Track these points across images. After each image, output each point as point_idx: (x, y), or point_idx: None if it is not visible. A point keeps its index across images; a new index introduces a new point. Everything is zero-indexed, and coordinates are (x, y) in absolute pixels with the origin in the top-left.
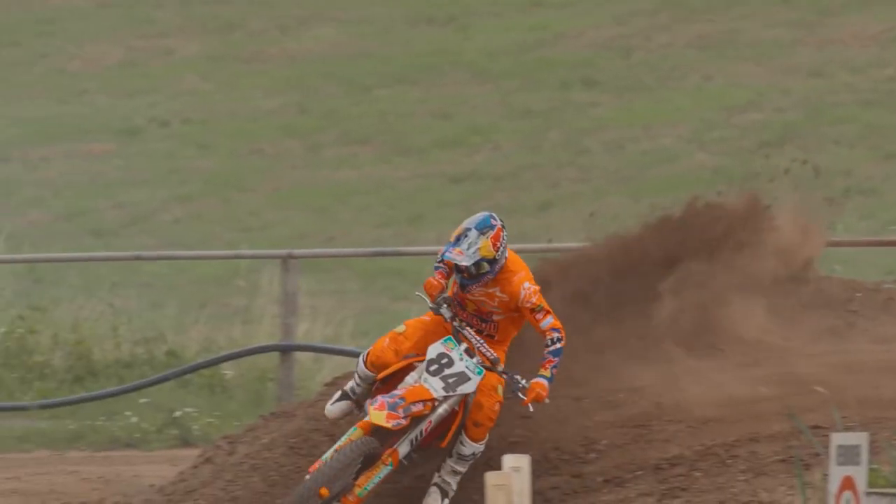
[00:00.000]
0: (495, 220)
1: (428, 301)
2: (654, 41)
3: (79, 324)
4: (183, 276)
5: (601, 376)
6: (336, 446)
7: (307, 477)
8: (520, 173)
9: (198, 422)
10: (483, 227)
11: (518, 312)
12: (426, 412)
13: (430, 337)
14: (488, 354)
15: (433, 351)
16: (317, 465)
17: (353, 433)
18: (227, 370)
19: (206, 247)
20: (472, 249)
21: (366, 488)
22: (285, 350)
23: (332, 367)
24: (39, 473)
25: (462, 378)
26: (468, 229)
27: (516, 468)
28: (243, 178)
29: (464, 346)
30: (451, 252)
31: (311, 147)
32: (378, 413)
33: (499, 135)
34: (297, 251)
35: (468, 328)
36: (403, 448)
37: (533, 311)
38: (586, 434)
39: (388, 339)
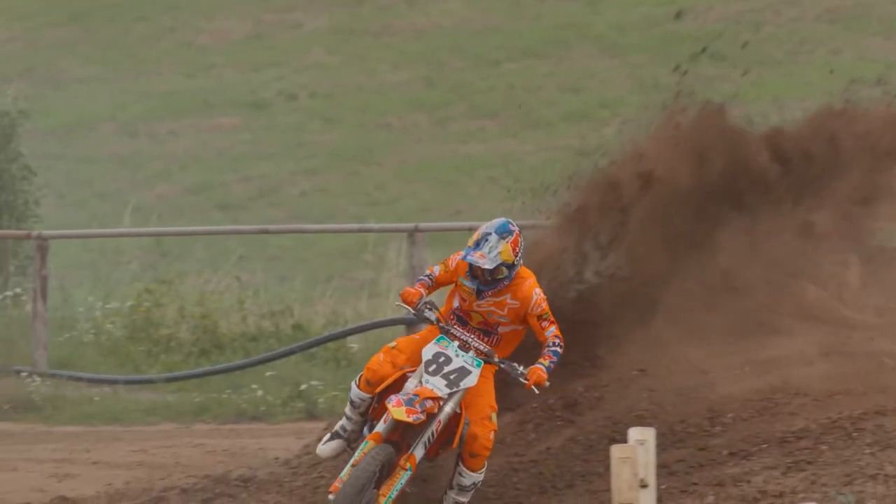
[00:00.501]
0: (513, 225)
1: (409, 309)
2: (784, 15)
3: (205, 297)
4: (310, 250)
5: (726, 350)
6: (352, 461)
7: (330, 498)
8: None
9: (323, 395)
10: (503, 232)
11: (523, 324)
12: (435, 411)
13: (389, 365)
14: (482, 348)
15: (428, 352)
16: (336, 484)
17: (367, 446)
18: (354, 343)
19: (332, 220)
20: (493, 253)
21: (390, 496)
22: (411, 323)
23: None
24: (165, 446)
25: (463, 372)
26: (488, 234)
27: (642, 441)
28: (370, 151)
29: (457, 343)
30: (472, 256)
31: (438, 121)
32: (398, 409)
33: (626, 108)
34: (423, 224)
35: (456, 327)
36: (419, 451)
37: (540, 318)
38: (712, 407)
39: (382, 355)
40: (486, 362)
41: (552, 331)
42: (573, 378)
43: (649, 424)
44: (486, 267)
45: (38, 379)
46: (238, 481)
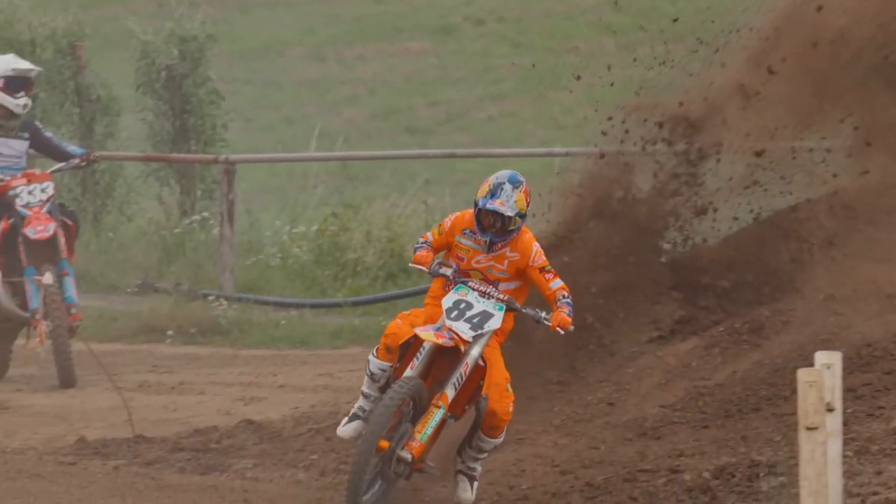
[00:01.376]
0: (521, 176)
1: (425, 269)
2: None
3: (392, 221)
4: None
5: None
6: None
7: (362, 434)
8: None
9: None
10: (515, 182)
11: (523, 279)
12: (463, 346)
13: (434, 319)
14: (501, 296)
15: (448, 301)
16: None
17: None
18: None
19: (519, 145)
20: (510, 201)
21: (426, 433)
22: None
23: None
24: (350, 370)
25: (485, 316)
26: (501, 183)
27: (828, 365)
28: (557, 76)
29: (476, 292)
30: (493, 203)
31: (626, 45)
32: (426, 333)
33: None
34: (608, 150)
35: (473, 281)
36: (450, 391)
37: (542, 270)
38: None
39: (399, 320)
40: (507, 308)
41: (557, 283)
42: (757, 303)
43: (836, 348)
44: (508, 214)
45: (224, 303)
46: None
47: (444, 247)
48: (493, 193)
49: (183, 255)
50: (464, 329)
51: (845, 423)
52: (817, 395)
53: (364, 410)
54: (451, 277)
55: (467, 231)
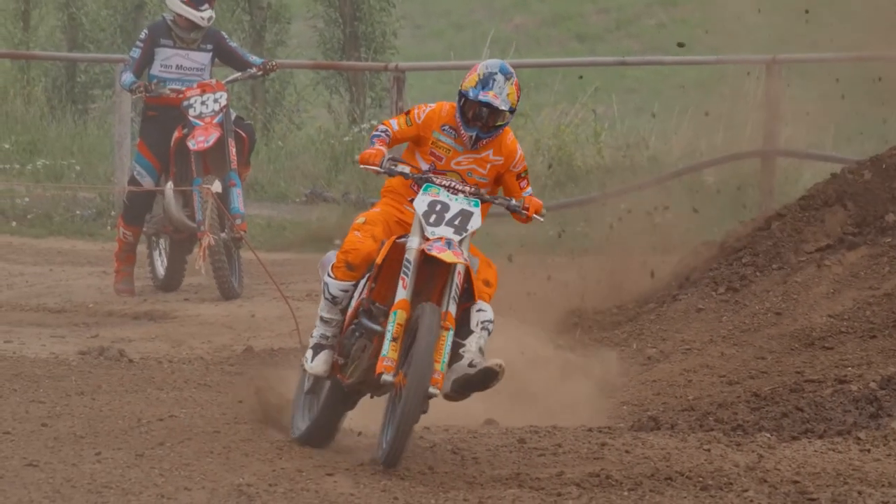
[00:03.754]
0: (511, 67)
1: (375, 169)
2: None
3: (561, 129)
4: (666, 82)
5: None
6: (391, 336)
7: (387, 378)
8: None
9: (678, 228)
10: (507, 73)
11: (497, 184)
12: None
13: (393, 220)
14: (469, 189)
15: (421, 204)
16: (388, 364)
17: (399, 316)
18: (709, 176)
19: (690, 52)
20: (503, 94)
21: (444, 361)
22: (767, 156)
23: (813, 173)
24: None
25: (465, 215)
26: (493, 73)
27: None
28: None
29: (443, 188)
30: (485, 95)
31: None
32: (447, 254)
33: None
34: (781, 56)
35: (430, 173)
36: (452, 308)
37: (520, 177)
38: None
39: (356, 232)
40: (481, 201)
41: (529, 191)
42: None
43: None
44: (502, 108)
45: None
46: (593, 314)
47: (409, 139)
48: (485, 84)
49: (352, 164)
50: (448, 234)
51: None
52: None
53: (327, 337)
54: (409, 175)
55: (447, 127)
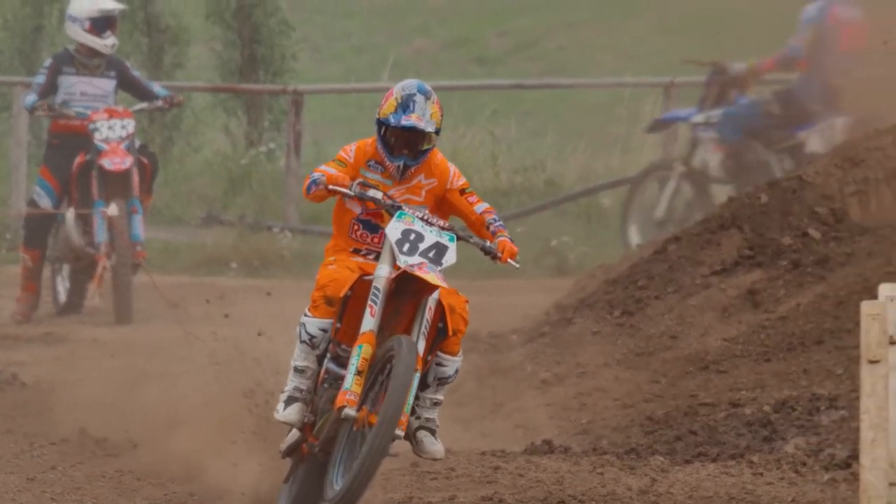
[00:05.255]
0: (428, 86)
1: (346, 191)
2: None
3: (459, 152)
4: (564, 105)
5: None
6: (356, 369)
7: (349, 413)
8: None
9: (574, 251)
10: (426, 92)
11: (442, 208)
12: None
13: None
14: (441, 223)
15: (394, 231)
16: (349, 397)
17: (364, 350)
18: (605, 198)
19: (589, 75)
20: (426, 115)
21: (409, 403)
22: (664, 179)
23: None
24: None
25: (441, 249)
26: (412, 95)
27: (892, 297)
28: (630, 4)
29: (418, 218)
30: (409, 119)
31: None
32: (429, 275)
33: None
34: (679, 79)
35: (403, 203)
36: (421, 345)
37: (463, 192)
38: None
39: (331, 266)
40: (456, 237)
41: (482, 206)
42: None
43: None
44: (429, 129)
45: (289, 235)
46: (489, 338)
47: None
48: (405, 107)
49: (249, 187)
50: (407, 266)
51: None
52: (880, 327)
53: (300, 391)
54: (381, 201)
55: (372, 162)
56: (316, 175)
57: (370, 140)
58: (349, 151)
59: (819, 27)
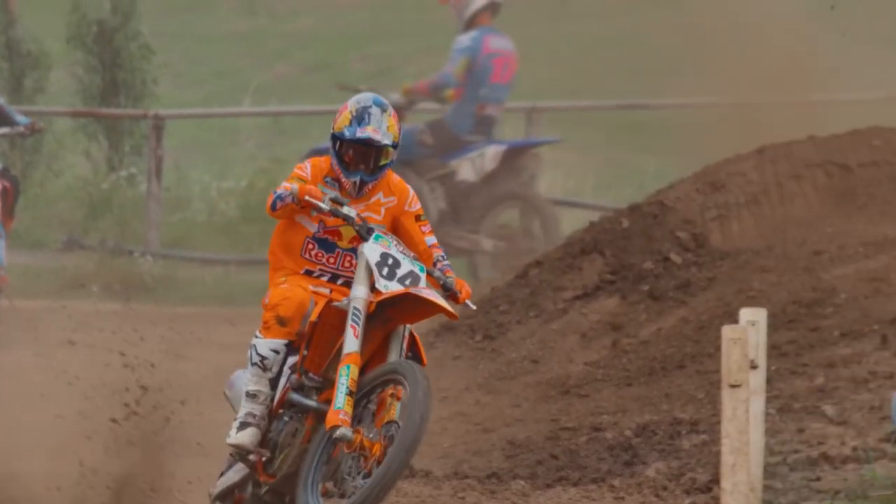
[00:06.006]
0: (385, 99)
1: (320, 204)
2: None
3: None
4: None
5: (838, 231)
6: (346, 388)
7: (343, 433)
8: None
9: None
10: (382, 104)
11: (394, 230)
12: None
13: (300, 288)
14: (409, 253)
15: (373, 253)
16: (342, 416)
17: (352, 371)
18: None
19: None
20: (383, 127)
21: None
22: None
23: (570, 219)
24: None
25: (415, 278)
26: (367, 107)
27: (753, 322)
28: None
29: (392, 240)
30: (365, 131)
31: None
32: (443, 301)
33: None
34: (541, 104)
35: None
36: None
37: (418, 218)
38: (825, 288)
39: (283, 285)
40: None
41: (433, 239)
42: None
43: (761, 305)
44: (385, 142)
45: (150, 259)
46: None
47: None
48: (360, 119)
49: (109, 212)
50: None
51: (769, 381)
52: (741, 352)
53: (254, 416)
54: (355, 219)
55: (329, 179)
56: (281, 191)
57: (323, 158)
58: (304, 169)
59: (472, 57)
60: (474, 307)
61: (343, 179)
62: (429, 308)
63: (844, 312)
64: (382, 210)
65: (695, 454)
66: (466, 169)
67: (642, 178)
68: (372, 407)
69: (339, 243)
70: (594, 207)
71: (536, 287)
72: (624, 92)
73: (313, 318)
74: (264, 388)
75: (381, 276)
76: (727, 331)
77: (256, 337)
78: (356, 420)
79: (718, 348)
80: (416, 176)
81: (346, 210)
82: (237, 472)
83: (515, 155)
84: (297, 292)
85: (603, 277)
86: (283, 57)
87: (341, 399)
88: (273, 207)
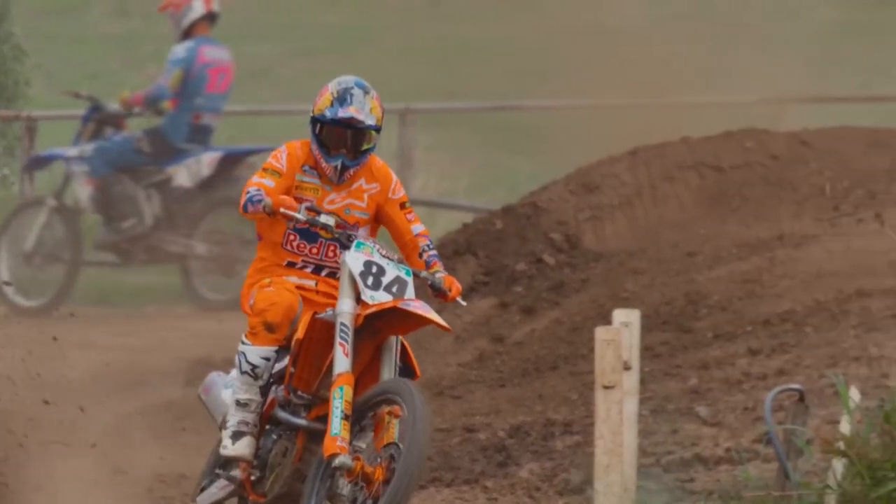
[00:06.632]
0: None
1: (296, 215)
2: None
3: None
4: (301, 132)
5: (711, 233)
6: (341, 413)
7: (343, 461)
8: None
9: None
10: (364, 86)
11: (377, 219)
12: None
13: (293, 286)
14: (394, 255)
15: (356, 262)
16: (341, 444)
17: (346, 392)
18: None
19: None
20: (365, 108)
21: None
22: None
23: (444, 223)
24: (152, 329)
25: (402, 284)
26: (349, 88)
27: (626, 323)
28: (368, 32)
29: (376, 248)
30: (346, 111)
31: (434, 0)
32: (435, 316)
33: None
34: (414, 105)
35: (353, 231)
36: None
37: (403, 206)
38: (698, 290)
39: (269, 288)
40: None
41: (419, 227)
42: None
43: (634, 306)
44: (368, 123)
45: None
46: (222, 363)
47: (285, 193)
48: (342, 100)
49: None
50: (386, 300)
51: (642, 382)
52: (615, 353)
53: (247, 423)
54: (334, 228)
55: (307, 167)
56: (253, 191)
57: (300, 143)
58: (280, 158)
59: (186, 69)
60: (464, 304)
61: (323, 164)
62: (419, 319)
63: (717, 314)
64: (365, 197)
65: (568, 455)
66: (182, 175)
67: (516, 180)
68: (368, 426)
69: (322, 233)
70: (468, 209)
71: None
72: (498, 94)
73: (299, 335)
74: (255, 395)
75: (367, 286)
76: (601, 332)
77: (244, 343)
78: (363, 448)
79: (592, 349)
80: (133, 183)
81: (323, 219)
82: (221, 488)
83: (232, 162)
84: (284, 296)
85: (476, 279)
86: (156, 59)
87: (337, 424)
88: (244, 209)
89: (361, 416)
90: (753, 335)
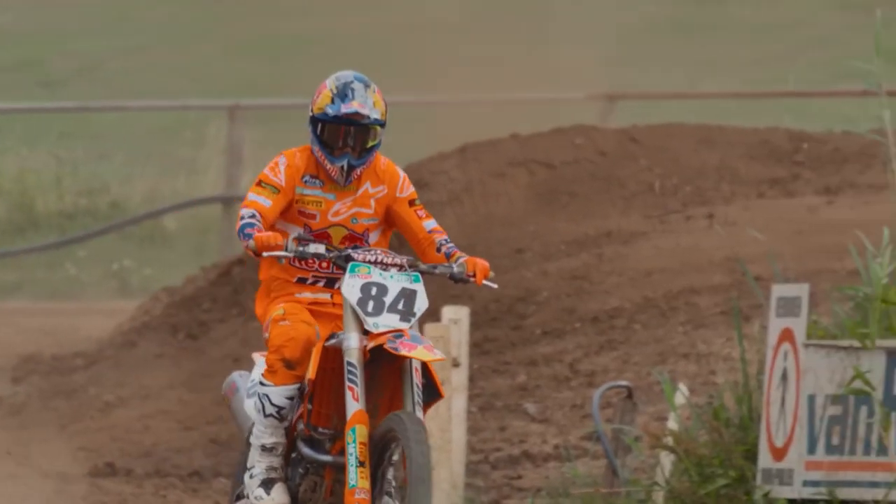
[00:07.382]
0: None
1: (283, 254)
2: None
3: (23, 175)
4: (131, 128)
5: (540, 230)
6: (356, 461)
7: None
8: None
9: (137, 274)
10: (364, 80)
11: (386, 222)
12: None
13: (306, 307)
14: (398, 260)
15: (352, 290)
16: (362, 496)
17: (359, 433)
18: (170, 221)
19: (156, 97)
20: (369, 103)
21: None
22: (228, 201)
23: None
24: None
25: (409, 295)
26: (349, 83)
27: (455, 320)
28: (199, 27)
29: (370, 258)
30: (349, 106)
31: None
32: (421, 351)
33: None
34: (244, 101)
35: (351, 248)
36: (420, 413)
37: (412, 203)
38: (526, 286)
39: (285, 321)
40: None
41: (432, 223)
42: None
43: (463, 303)
44: (374, 117)
45: None
46: (53, 360)
47: (285, 208)
48: (343, 96)
49: None
50: (394, 323)
51: (471, 379)
52: (444, 350)
53: (275, 469)
54: (326, 255)
55: (307, 177)
56: (247, 218)
57: (298, 150)
58: (278, 172)
59: None
60: (495, 286)
61: (328, 167)
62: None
63: (546, 310)
64: (372, 202)
65: None
66: None
67: None
68: (391, 467)
69: (330, 242)
70: None
71: (239, 285)
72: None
73: (311, 375)
74: (280, 438)
75: (368, 313)
76: (430, 329)
77: (264, 385)
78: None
79: None
80: None
81: (312, 248)
82: None
83: None
84: (300, 329)
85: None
86: None
87: (353, 475)
88: (238, 236)
89: (385, 448)
90: (582, 332)
